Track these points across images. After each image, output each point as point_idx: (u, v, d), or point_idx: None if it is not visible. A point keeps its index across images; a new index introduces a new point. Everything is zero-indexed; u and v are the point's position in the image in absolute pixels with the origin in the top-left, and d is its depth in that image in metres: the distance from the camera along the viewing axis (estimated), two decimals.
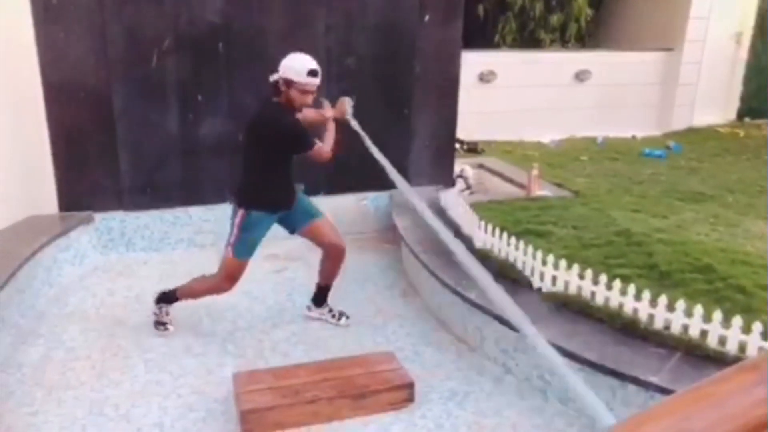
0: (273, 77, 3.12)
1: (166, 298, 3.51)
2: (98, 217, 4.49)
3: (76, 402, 2.92)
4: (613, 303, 3.02)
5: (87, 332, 3.54)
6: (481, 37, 7.74)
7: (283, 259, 4.47)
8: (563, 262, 3.24)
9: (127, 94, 4.38)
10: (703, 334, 2.74)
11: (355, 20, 4.75)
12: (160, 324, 3.51)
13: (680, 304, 2.80)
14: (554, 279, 3.29)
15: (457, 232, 3.90)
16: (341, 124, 3.43)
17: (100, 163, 4.45)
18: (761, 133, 7.78)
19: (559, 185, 5.30)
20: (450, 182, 5.30)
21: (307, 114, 3.32)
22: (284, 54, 3.12)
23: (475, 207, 4.25)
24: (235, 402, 2.84)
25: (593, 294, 3.11)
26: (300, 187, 3.47)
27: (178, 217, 4.68)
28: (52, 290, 3.97)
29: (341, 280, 3.71)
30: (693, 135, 7.77)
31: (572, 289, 3.20)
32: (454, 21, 4.97)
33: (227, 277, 3.33)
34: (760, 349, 2.58)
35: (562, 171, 5.86)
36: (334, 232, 3.51)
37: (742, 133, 7.87)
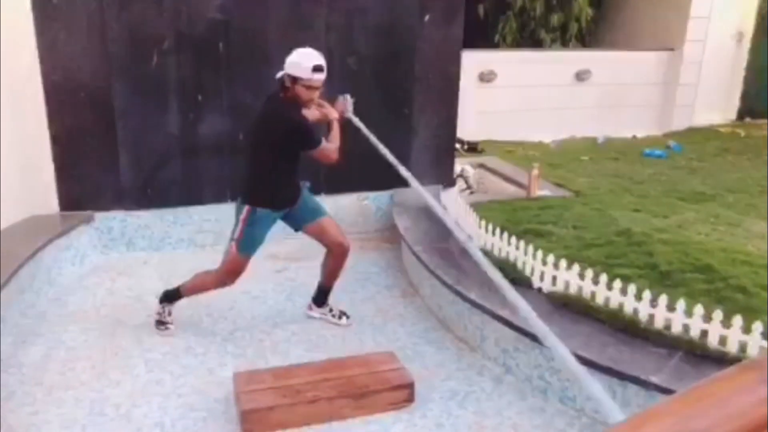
0: (279, 74, 3.13)
1: (170, 296, 3.52)
2: (98, 216, 4.49)
3: (76, 402, 2.92)
4: (614, 303, 3.02)
5: (87, 332, 3.54)
6: (481, 37, 7.73)
7: (283, 259, 4.46)
8: (563, 262, 3.24)
9: (128, 93, 4.38)
10: (704, 333, 2.74)
11: (356, 20, 4.75)
12: (160, 324, 3.52)
13: (681, 304, 2.80)
14: (554, 279, 3.29)
15: None
16: (342, 125, 3.42)
17: (101, 162, 4.45)
18: (762, 133, 7.77)
19: (559, 185, 5.30)
20: (450, 182, 5.30)
21: (311, 114, 3.32)
22: (285, 54, 3.12)
23: (476, 207, 4.25)
24: (235, 402, 2.84)
25: (594, 294, 3.11)
26: (306, 185, 3.47)
27: (178, 216, 4.68)
28: (53, 290, 3.97)
29: (342, 279, 3.71)
30: (694, 135, 7.77)
31: (573, 289, 3.20)
32: (455, 21, 4.97)
33: (230, 272, 3.35)
34: (761, 348, 2.58)
35: (562, 171, 5.86)
36: (338, 230, 3.51)
37: (742, 133, 7.87)
